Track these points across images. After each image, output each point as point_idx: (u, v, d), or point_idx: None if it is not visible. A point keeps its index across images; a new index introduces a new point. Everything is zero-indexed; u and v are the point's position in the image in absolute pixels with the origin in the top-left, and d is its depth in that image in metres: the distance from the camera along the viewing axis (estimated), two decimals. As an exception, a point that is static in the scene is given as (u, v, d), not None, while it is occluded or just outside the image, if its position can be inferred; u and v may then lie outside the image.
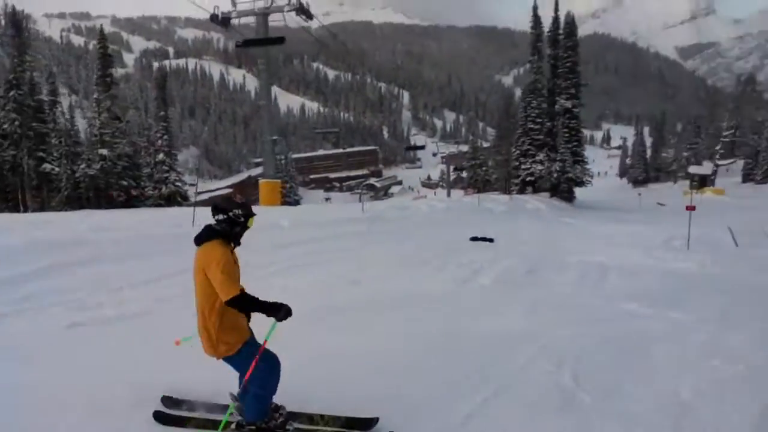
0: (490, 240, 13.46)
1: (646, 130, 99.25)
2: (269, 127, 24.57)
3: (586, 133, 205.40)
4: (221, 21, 23.06)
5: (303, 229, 13.95)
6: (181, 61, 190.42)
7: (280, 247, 11.26)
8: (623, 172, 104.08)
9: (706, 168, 61.50)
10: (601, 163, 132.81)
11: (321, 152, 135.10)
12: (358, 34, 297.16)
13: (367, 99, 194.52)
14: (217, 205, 3.29)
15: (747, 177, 63.41)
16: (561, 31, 35.65)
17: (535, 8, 36.44)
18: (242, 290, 3.25)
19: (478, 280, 8.97)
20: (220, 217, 3.26)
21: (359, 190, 70.72)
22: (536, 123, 34.83)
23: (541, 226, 19.40)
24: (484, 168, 54.56)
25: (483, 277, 9.18)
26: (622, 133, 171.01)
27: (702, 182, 58.09)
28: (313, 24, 23.60)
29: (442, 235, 14.94)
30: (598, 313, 6.77)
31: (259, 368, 3.33)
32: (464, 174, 61.95)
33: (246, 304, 3.21)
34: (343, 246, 12.15)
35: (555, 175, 34.09)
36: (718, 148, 62.01)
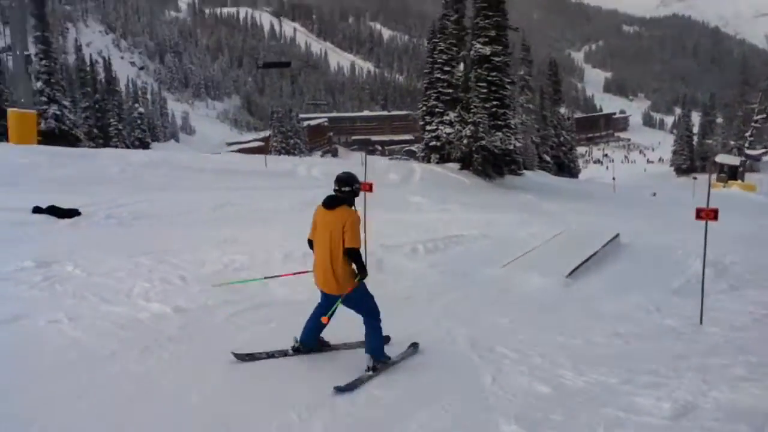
0: None
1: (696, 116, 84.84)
2: (20, 37, 19.53)
3: (656, 116, 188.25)
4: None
5: None
6: (233, 10, 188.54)
7: None
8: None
9: (735, 158, 50.53)
10: (668, 148, 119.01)
11: (366, 113, 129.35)
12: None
13: (423, 63, 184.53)
14: (345, 179, 4.19)
15: (795, 172, 51.70)
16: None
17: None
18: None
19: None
20: (347, 188, 4.18)
21: (398, 156, 64.96)
22: (444, 72, 27.48)
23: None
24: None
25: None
26: (694, 119, 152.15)
27: (732, 174, 48.22)
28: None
29: None
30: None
31: (371, 304, 4.37)
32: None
33: (358, 256, 4.18)
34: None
35: (465, 141, 26.29)
36: (747, 134, 50.57)
